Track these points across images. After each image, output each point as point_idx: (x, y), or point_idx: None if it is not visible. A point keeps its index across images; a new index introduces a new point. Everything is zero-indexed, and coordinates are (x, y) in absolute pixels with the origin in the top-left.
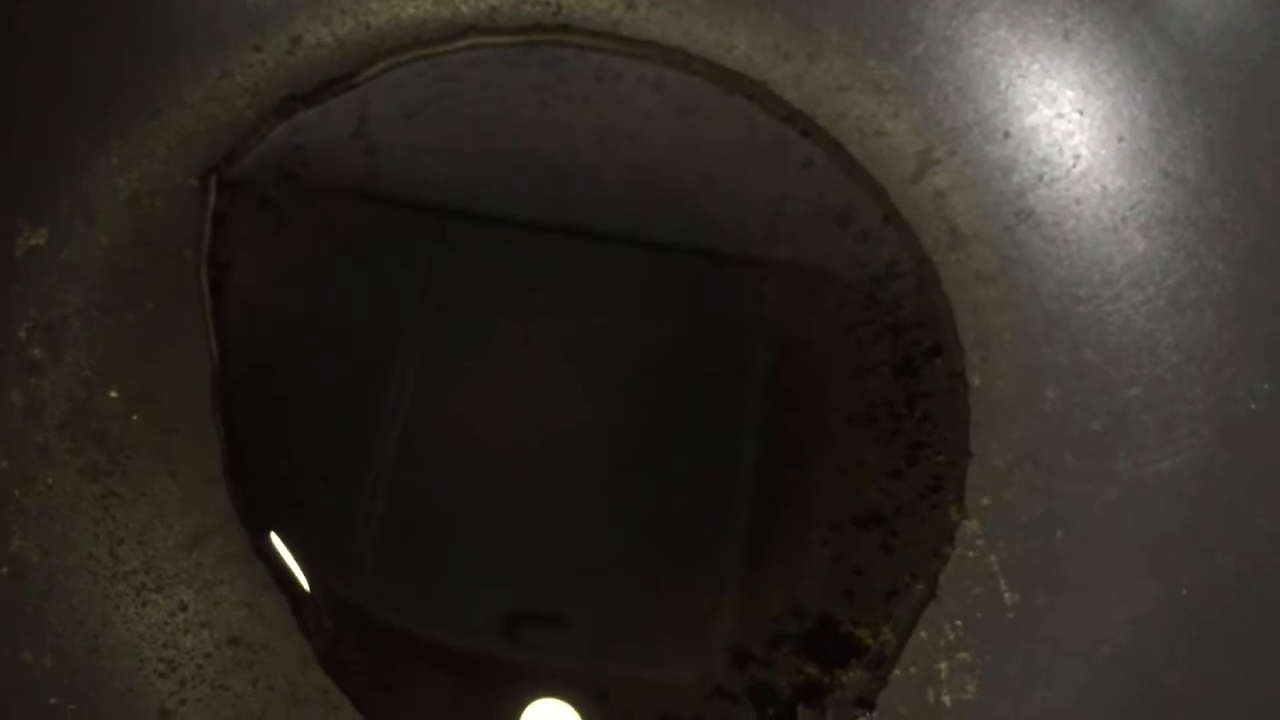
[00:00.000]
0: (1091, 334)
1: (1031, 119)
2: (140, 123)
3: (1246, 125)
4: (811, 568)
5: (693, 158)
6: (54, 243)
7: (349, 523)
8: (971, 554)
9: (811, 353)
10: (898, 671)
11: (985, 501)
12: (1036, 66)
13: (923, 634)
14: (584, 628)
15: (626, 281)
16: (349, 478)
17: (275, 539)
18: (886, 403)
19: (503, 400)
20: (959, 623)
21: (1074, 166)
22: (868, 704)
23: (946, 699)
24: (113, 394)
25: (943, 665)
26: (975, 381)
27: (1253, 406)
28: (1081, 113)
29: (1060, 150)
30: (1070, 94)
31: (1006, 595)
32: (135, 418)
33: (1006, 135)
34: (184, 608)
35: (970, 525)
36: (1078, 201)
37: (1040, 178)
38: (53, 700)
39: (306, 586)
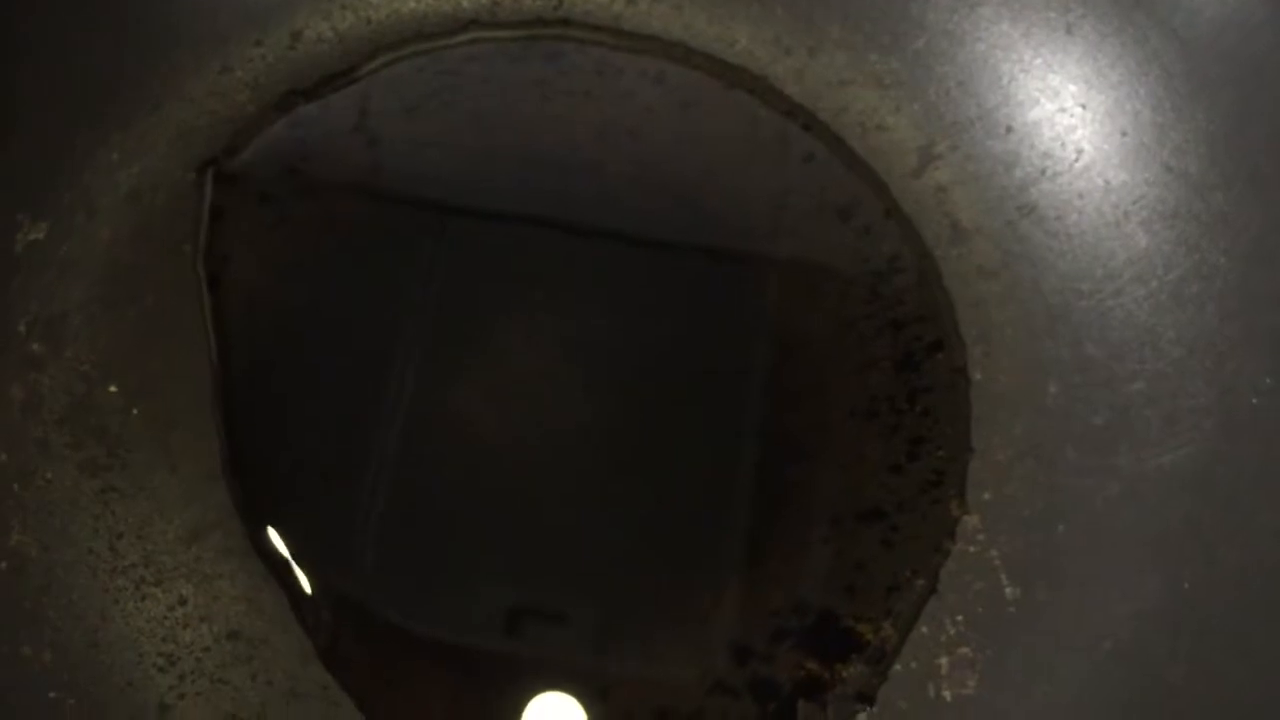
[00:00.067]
0: (1094, 329)
1: (1034, 114)
2: (141, 117)
3: (1249, 119)
4: (812, 563)
5: (694, 152)
6: (54, 237)
7: (348, 519)
8: (972, 549)
9: (813, 348)
10: (898, 666)
11: (986, 496)
12: (1039, 61)
13: (923, 629)
14: (584, 624)
15: (627, 277)
16: (349, 474)
17: (274, 534)
18: (888, 398)
19: (503, 396)
20: (960, 618)
21: (1076, 161)
22: (868, 699)
23: (947, 694)
24: (113, 389)
25: (943, 660)
26: (977, 376)
27: (1255, 401)
28: (1084, 107)
29: (1063, 145)
30: (1073, 88)
31: (1008, 590)
32: (135, 412)
33: (1008, 130)
34: (183, 602)
35: (971, 520)
36: (1080, 196)
37: (1042, 172)
38: (52, 694)
39: (306, 582)
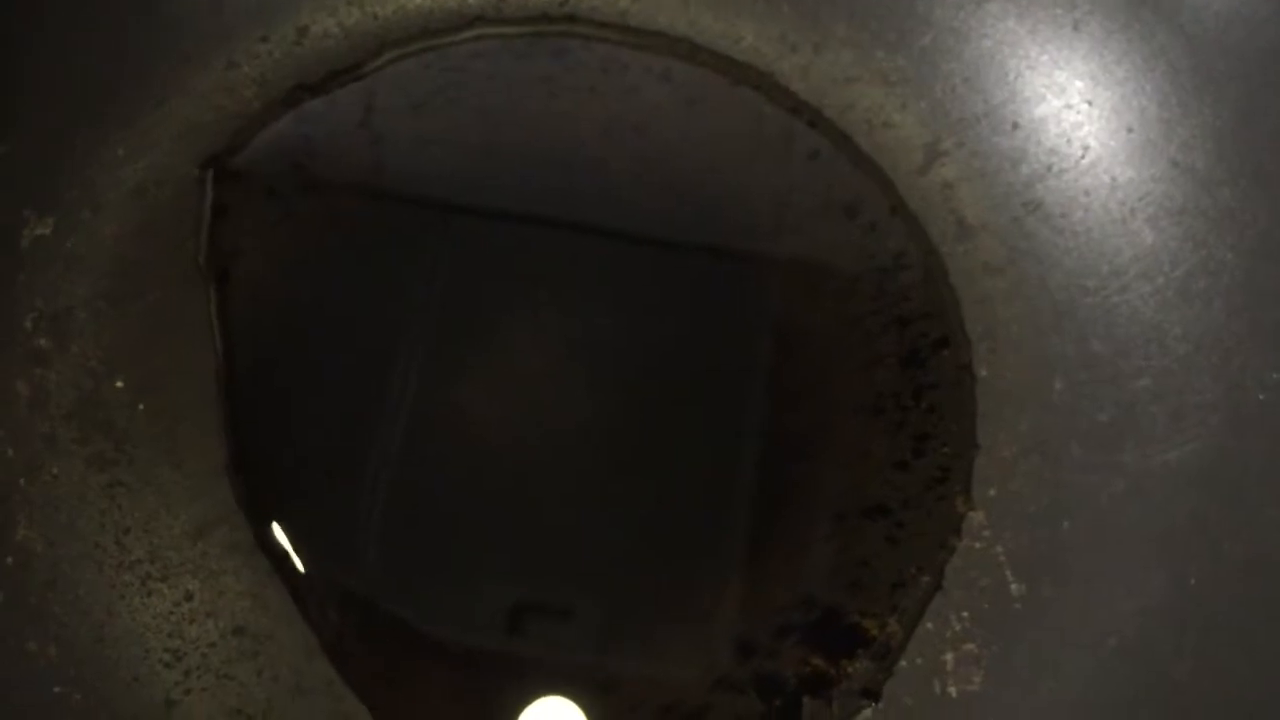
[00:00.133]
0: (1100, 325)
1: (1040, 110)
2: (147, 113)
3: (1255, 115)
4: (818, 559)
5: (699, 149)
6: (60, 233)
7: (352, 516)
8: (978, 545)
9: (818, 344)
10: (904, 662)
11: (992, 493)
12: (1045, 57)
13: (929, 625)
14: (588, 621)
15: (632, 274)
16: (352, 470)
17: (279, 530)
18: (893, 394)
19: (506, 394)
20: (965, 614)
21: (1082, 157)
22: (873, 695)
23: (952, 690)
24: (119, 384)
25: (949, 656)
26: (982, 373)
27: (1261, 396)
28: (1090, 104)
29: (1069, 141)
30: (1079, 85)
31: (1013, 586)
32: (141, 407)
33: (1015, 126)
34: (189, 597)
35: (977, 516)
36: (1086, 192)
37: (1049, 169)
38: (57, 690)
39: (310, 579)
